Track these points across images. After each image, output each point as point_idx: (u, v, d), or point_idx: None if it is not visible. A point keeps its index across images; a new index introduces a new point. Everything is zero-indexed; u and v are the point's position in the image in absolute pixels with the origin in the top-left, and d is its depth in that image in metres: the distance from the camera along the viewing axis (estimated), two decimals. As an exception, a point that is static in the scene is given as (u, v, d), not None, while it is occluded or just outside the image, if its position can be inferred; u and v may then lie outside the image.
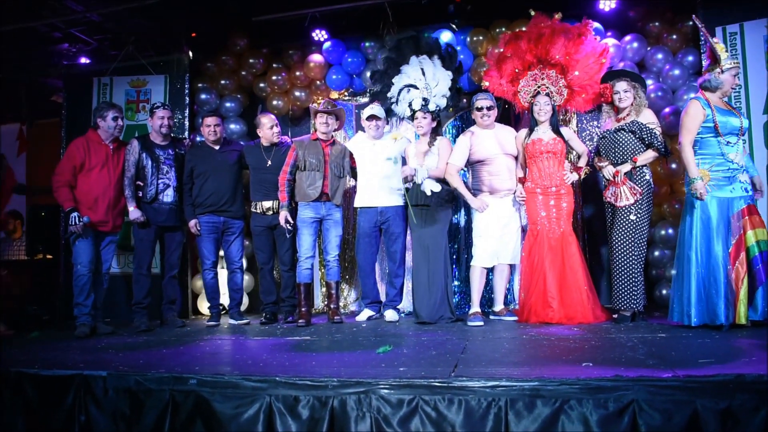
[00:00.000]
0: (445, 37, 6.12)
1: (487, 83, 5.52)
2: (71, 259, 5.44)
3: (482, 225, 5.24)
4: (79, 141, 5.41)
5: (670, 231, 5.66)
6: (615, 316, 4.83)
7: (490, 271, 5.41)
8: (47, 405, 3.41)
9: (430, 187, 5.06)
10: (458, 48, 6.15)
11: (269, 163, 5.63)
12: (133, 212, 5.42)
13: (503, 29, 6.06)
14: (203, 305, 6.39)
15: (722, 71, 4.40)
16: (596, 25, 5.84)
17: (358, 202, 5.62)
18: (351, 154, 5.66)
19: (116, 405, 3.29)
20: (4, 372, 3.54)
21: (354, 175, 5.73)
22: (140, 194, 5.50)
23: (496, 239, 5.21)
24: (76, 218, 5.12)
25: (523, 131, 5.24)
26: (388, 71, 5.62)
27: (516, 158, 5.30)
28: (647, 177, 4.80)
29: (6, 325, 5.16)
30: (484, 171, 5.28)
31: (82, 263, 5.27)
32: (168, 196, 5.56)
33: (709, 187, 4.32)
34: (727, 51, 4.48)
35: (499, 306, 5.38)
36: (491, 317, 5.35)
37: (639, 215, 4.72)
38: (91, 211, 5.24)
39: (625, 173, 4.74)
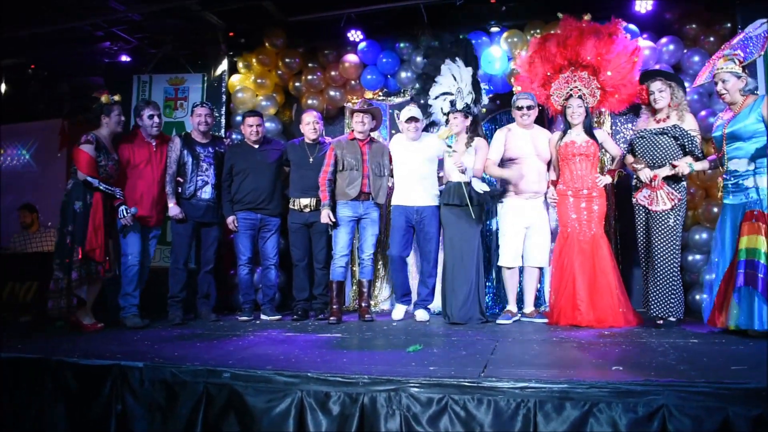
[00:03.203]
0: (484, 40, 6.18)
1: (518, 87, 5.53)
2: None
3: (505, 225, 5.32)
4: (124, 139, 5.57)
5: (704, 235, 5.60)
6: (660, 322, 4.72)
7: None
8: (86, 394, 3.52)
9: (479, 186, 5.10)
10: (491, 49, 6.19)
11: (311, 159, 5.71)
12: (173, 209, 5.55)
13: (538, 31, 6.06)
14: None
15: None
16: (631, 26, 5.80)
17: (395, 200, 5.63)
18: (390, 153, 5.69)
19: (152, 396, 3.39)
20: (46, 360, 3.67)
21: (391, 175, 5.74)
22: (179, 190, 5.61)
23: (518, 240, 5.27)
24: (124, 211, 5.25)
25: (557, 133, 5.24)
26: (425, 87, 5.73)
27: (548, 162, 5.30)
28: (683, 182, 4.76)
29: (95, 319, 5.29)
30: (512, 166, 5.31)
31: (132, 254, 5.44)
32: (206, 192, 5.67)
33: (728, 195, 4.43)
34: (729, 58, 4.42)
35: (529, 308, 5.38)
36: (522, 319, 5.35)
37: (677, 221, 4.68)
38: (138, 206, 5.38)
39: (663, 177, 4.69)
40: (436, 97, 5.64)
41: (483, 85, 5.87)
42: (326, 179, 5.52)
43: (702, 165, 4.68)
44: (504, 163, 5.34)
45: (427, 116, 5.76)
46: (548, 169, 5.35)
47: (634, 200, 4.91)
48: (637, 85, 5.07)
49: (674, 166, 4.62)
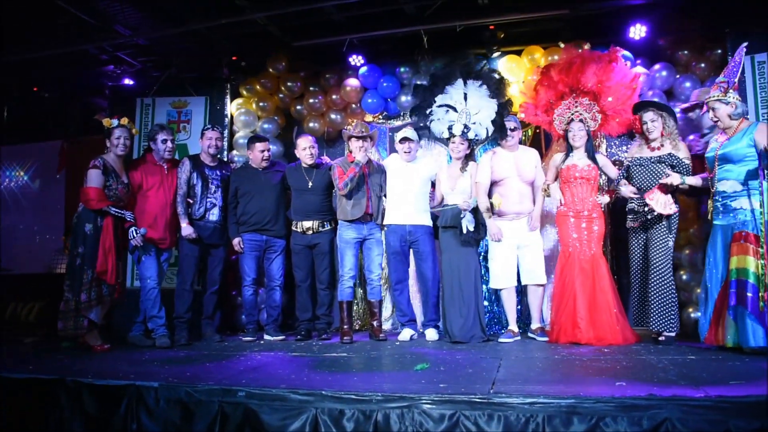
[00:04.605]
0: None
1: (522, 114, 5.69)
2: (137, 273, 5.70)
3: (492, 248, 5.45)
4: (135, 163, 5.69)
5: (697, 255, 5.73)
6: (662, 338, 4.86)
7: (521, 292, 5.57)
8: (102, 413, 3.59)
9: (466, 224, 5.20)
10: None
11: (310, 184, 5.78)
12: (186, 228, 5.62)
13: (537, 55, 6.22)
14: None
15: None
16: (625, 52, 5.95)
17: (387, 220, 5.73)
18: (385, 173, 5.82)
19: (167, 415, 3.46)
20: (62, 380, 3.74)
21: (385, 195, 5.85)
22: (190, 211, 5.71)
23: (506, 261, 5.38)
24: (134, 231, 5.32)
25: (560, 155, 5.38)
26: (433, 88, 5.71)
27: (531, 184, 5.45)
28: (676, 204, 4.92)
29: (102, 340, 5.34)
30: (495, 193, 5.45)
31: (151, 277, 5.53)
32: (214, 215, 5.77)
33: (718, 216, 4.56)
34: (718, 86, 4.60)
35: (535, 324, 5.47)
36: (529, 334, 5.46)
37: (673, 240, 4.89)
38: (152, 229, 5.47)
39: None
40: (440, 105, 5.63)
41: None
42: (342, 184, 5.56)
43: (695, 180, 4.82)
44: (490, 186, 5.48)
45: (428, 120, 5.76)
46: (533, 189, 5.47)
47: (628, 225, 5.08)
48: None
49: (665, 182, 4.78)
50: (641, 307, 5.07)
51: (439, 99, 5.63)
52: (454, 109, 5.51)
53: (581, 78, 5.32)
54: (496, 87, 5.55)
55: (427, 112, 5.70)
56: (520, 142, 5.75)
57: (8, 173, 9.93)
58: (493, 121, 5.46)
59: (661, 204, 4.80)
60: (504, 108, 5.52)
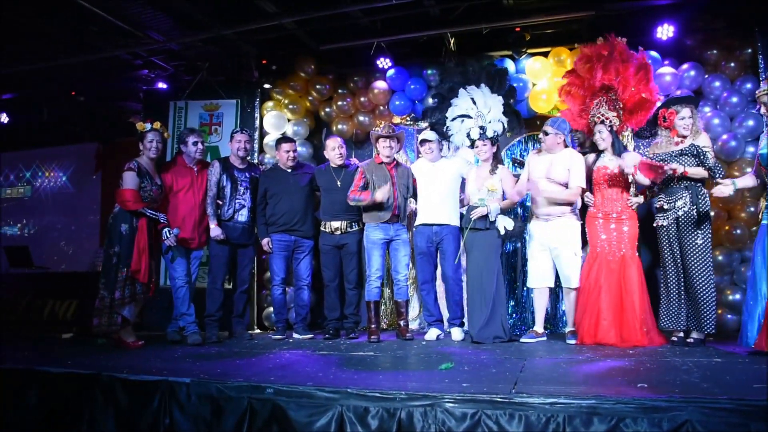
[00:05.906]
0: (509, 67, 6.34)
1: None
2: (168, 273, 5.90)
3: (528, 247, 5.53)
4: (166, 165, 5.85)
5: (727, 256, 5.69)
6: (690, 341, 4.84)
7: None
8: (135, 407, 3.70)
9: (504, 224, 5.26)
10: (517, 75, 6.38)
11: (339, 183, 5.87)
12: (215, 230, 5.75)
13: (563, 57, 6.24)
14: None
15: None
16: (653, 53, 5.93)
17: (417, 221, 5.80)
18: (413, 176, 5.89)
19: (198, 410, 3.55)
20: (97, 375, 3.87)
21: (415, 197, 5.92)
22: (219, 212, 5.82)
23: (541, 261, 5.39)
24: (168, 232, 5.43)
25: (592, 156, 5.38)
26: (439, 106, 5.93)
27: (565, 185, 5.30)
28: (707, 199, 4.87)
29: (136, 337, 5.50)
30: (530, 194, 5.51)
31: (179, 277, 5.68)
32: (243, 215, 5.88)
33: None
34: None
35: (568, 327, 5.44)
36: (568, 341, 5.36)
37: (705, 239, 4.79)
38: (181, 229, 5.58)
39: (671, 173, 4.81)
40: (453, 119, 5.82)
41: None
42: (356, 191, 5.64)
43: (750, 180, 4.72)
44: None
45: (445, 138, 5.96)
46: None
47: (656, 224, 5.05)
48: (654, 91, 5.28)
49: (685, 174, 4.77)
50: (676, 307, 4.97)
51: (450, 113, 5.81)
52: (469, 117, 5.64)
53: (605, 75, 5.33)
54: (496, 81, 5.68)
55: (444, 129, 5.82)
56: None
57: (51, 174, 10.23)
58: (504, 113, 5.59)
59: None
60: (508, 97, 5.73)
